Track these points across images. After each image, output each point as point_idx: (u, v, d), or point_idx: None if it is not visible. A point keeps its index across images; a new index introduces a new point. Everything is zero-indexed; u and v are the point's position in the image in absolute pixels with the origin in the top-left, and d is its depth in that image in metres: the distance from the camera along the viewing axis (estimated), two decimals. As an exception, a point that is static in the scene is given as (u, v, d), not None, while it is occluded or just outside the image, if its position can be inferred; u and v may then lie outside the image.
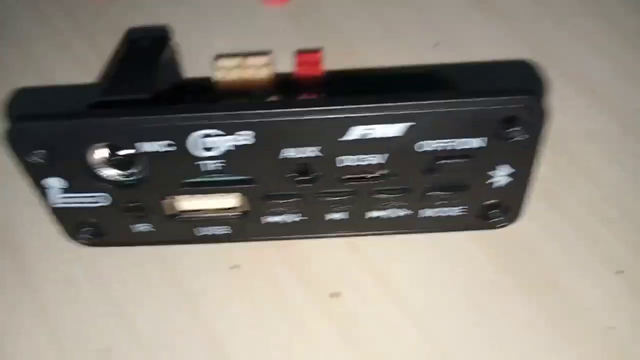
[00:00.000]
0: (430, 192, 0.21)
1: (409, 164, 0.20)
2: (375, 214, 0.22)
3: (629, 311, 0.21)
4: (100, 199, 0.21)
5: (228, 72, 0.24)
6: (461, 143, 0.19)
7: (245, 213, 0.21)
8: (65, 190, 0.20)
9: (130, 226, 0.22)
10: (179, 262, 0.23)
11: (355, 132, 0.19)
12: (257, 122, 0.18)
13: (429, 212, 0.22)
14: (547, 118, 0.18)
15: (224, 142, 0.19)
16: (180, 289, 0.22)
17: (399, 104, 0.18)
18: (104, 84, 0.21)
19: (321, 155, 0.19)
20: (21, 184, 0.22)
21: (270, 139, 0.19)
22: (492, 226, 0.22)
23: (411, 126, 0.19)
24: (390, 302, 0.22)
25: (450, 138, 0.19)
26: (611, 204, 0.23)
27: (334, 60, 0.27)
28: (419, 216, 0.22)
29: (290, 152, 0.19)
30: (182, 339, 0.21)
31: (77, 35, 0.29)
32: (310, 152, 0.19)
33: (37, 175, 0.20)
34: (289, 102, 0.18)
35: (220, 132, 0.18)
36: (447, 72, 0.25)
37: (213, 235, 0.22)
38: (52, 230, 0.22)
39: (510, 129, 0.19)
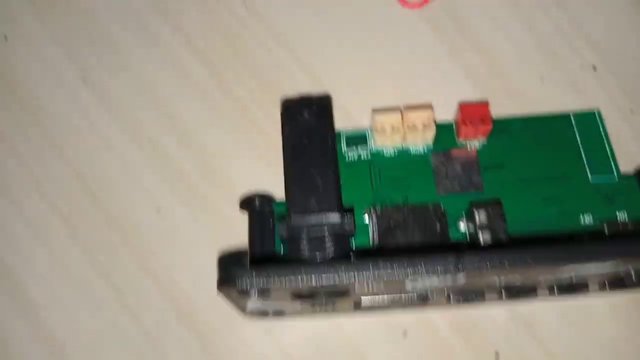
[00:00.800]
0: (606, 283, 0.22)
1: (601, 275, 0.20)
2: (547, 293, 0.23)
3: None
4: (291, 307, 0.21)
5: (389, 136, 0.22)
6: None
7: (424, 298, 0.22)
8: (261, 305, 0.20)
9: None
10: (350, 327, 0.24)
11: (568, 269, 0.19)
12: (481, 272, 0.18)
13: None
14: None
15: (433, 282, 0.19)
16: (356, 355, 0.24)
17: (622, 257, 0.18)
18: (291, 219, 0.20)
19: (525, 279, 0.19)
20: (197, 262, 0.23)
21: (481, 277, 0.19)
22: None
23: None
24: None
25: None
26: None
27: (480, 80, 0.25)
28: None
29: (495, 279, 0.19)
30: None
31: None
32: (516, 278, 0.19)
33: (242, 303, 0.20)
34: (518, 258, 0.18)
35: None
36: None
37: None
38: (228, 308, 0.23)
39: None
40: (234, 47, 0.27)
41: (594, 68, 0.25)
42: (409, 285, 0.19)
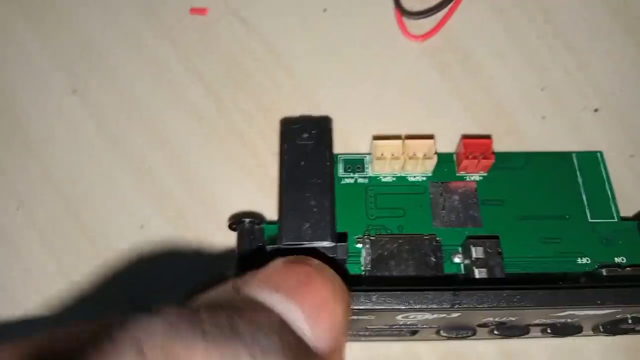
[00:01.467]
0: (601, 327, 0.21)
1: (596, 318, 0.20)
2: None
3: None
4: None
5: (389, 162, 0.22)
6: None
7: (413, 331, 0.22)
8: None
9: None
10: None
11: (564, 312, 0.18)
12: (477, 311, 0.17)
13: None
14: None
15: (427, 316, 0.18)
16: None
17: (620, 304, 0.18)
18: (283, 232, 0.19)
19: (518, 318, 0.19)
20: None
21: (475, 315, 0.18)
22: None
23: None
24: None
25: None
26: None
27: (480, 115, 0.25)
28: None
29: (489, 318, 0.19)
30: None
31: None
32: (508, 317, 0.19)
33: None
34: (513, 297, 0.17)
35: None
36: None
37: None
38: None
39: None
40: (233, 68, 0.26)
41: (596, 110, 0.25)
42: (399, 319, 0.18)
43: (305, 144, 0.21)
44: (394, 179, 0.23)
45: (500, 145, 0.25)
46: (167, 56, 0.27)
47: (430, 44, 0.27)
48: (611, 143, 0.25)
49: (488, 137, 0.23)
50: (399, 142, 0.22)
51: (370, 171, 0.23)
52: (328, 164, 0.20)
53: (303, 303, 0.14)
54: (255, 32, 0.27)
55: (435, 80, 0.26)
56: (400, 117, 0.25)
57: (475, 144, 0.22)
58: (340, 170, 0.23)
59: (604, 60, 0.26)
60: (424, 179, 0.23)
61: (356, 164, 0.23)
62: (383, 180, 0.23)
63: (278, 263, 0.15)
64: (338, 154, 0.23)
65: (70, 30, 0.27)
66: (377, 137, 0.22)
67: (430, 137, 0.23)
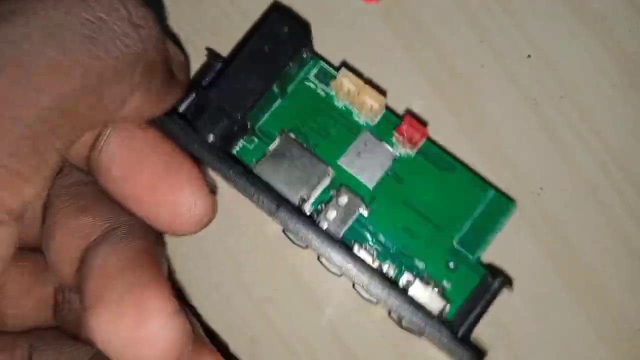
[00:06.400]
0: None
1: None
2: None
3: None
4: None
5: (345, 93, 0.24)
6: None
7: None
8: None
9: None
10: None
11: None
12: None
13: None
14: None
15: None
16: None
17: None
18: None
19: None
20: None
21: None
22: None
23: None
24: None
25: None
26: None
27: (423, 66, 0.28)
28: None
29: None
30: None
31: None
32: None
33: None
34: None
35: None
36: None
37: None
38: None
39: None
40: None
41: (529, 56, 0.27)
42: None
43: (283, 34, 0.23)
44: (344, 108, 0.25)
45: (444, 92, 0.27)
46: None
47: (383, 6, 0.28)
48: (542, 87, 0.27)
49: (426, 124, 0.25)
50: (359, 83, 0.24)
51: (331, 89, 0.25)
52: (287, 62, 0.23)
53: None
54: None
55: (387, 38, 0.28)
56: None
57: (412, 127, 0.24)
58: (312, 74, 0.25)
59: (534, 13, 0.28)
60: (364, 124, 0.25)
61: (327, 76, 0.25)
62: (334, 103, 0.25)
63: None
64: (320, 59, 0.25)
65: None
66: (346, 68, 0.24)
67: (383, 94, 0.24)
